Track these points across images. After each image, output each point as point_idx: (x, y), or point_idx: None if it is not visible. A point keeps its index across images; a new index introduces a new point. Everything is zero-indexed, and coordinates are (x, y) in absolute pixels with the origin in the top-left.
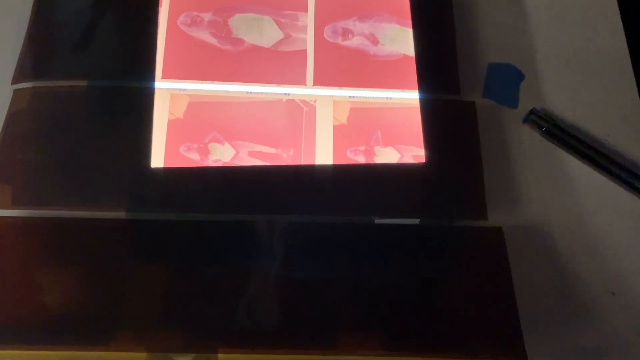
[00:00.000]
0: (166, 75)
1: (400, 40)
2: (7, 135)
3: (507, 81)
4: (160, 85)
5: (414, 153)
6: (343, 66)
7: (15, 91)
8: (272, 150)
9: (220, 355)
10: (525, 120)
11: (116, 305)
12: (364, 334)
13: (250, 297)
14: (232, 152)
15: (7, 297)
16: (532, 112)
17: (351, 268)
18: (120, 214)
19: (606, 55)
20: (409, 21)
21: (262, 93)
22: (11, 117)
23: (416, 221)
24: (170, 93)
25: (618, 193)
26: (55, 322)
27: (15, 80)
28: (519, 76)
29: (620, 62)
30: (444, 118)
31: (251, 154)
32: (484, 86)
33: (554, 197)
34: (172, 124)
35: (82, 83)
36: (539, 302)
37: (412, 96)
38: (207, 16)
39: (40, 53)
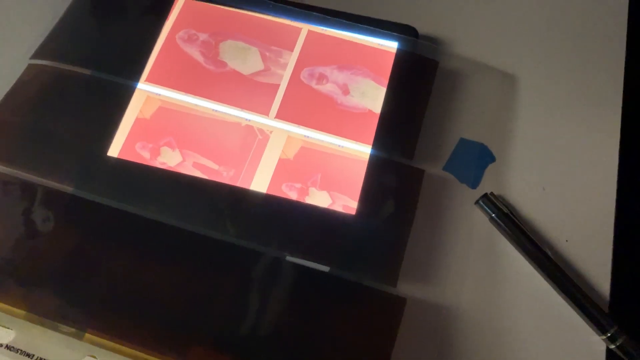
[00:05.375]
0: (149, 79)
1: (370, 96)
2: (8, 99)
3: (474, 160)
4: (142, 86)
5: (346, 203)
6: (308, 107)
7: (30, 65)
8: (215, 167)
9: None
10: (477, 202)
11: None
12: (218, 354)
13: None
14: (179, 159)
15: None
16: (485, 196)
17: (239, 291)
18: (67, 188)
19: (594, 160)
20: (387, 81)
21: (225, 113)
22: (17, 85)
23: (326, 269)
24: (146, 95)
25: (552, 298)
26: None
27: (34, 56)
28: (489, 158)
29: (605, 172)
30: (388, 179)
31: (195, 165)
32: (448, 159)
33: (479, 285)
34: (138, 122)
35: (86, 71)
36: None
37: (364, 149)
38: (203, 36)
39: (63, 38)
